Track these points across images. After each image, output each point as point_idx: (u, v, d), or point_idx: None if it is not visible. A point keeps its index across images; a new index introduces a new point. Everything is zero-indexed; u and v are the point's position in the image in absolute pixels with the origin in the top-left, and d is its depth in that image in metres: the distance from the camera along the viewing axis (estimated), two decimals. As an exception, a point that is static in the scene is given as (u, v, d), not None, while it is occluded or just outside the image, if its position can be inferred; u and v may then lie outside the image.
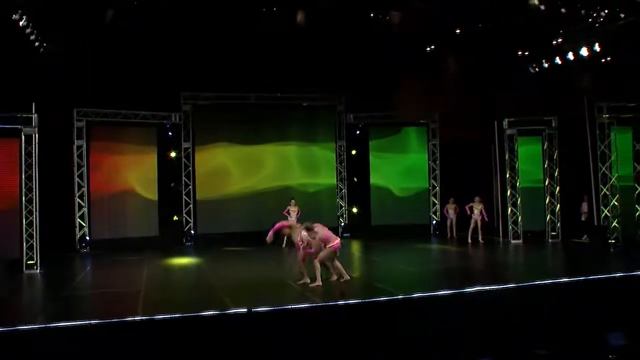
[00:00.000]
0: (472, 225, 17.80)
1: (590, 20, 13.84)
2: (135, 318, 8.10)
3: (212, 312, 8.26)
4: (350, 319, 8.58)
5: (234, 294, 9.94)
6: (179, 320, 8.00)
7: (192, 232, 19.38)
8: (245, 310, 8.41)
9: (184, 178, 19.46)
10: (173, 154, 19.66)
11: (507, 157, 17.88)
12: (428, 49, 18.57)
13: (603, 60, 15.17)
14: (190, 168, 19.54)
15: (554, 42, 16.07)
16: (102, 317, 8.16)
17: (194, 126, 19.63)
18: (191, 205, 19.47)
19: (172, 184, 19.56)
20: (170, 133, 19.54)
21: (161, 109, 19.17)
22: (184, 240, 19.14)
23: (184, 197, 19.41)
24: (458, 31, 17.02)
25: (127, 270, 13.86)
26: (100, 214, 18.31)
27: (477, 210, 17.83)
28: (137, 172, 18.86)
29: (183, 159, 19.48)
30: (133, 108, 18.66)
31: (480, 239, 17.63)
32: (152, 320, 8.02)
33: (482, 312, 9.00)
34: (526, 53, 17.72)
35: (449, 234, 19.44)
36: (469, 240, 17.64)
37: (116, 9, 14.70)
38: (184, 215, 19.38)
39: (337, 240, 10.79)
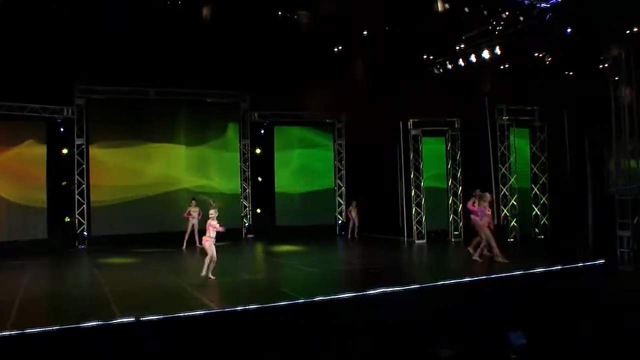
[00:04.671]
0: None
1: (492, 22, 14.07)
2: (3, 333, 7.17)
3: (93, 323, 7.47)
4: (248, 325, 8.07)
5: (124, 302, 9.14)
6: (54, 333, 7.14)
7: (86, 234, 18.16)
8: (133, 319, 7.69)
9: (76, 177, 18.26)
10: (65, 151, 18.43)
11: (411, 157, 17.96)
12: (336, 49, 18.37)
13: (503, 63, 15.52)
14: (84, 166, 18.36)
15: (458, 46, 16.26)
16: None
17: (88, 122, 18.46)
18: (84, 206, 18.26)
19: (63, 183, 18.36)
20: (62, 129, 18.33)
21: (52, 102, 17.91)
22: (77, 243, 17.97)
23: (76, 197, 18.22)
24: (365, 33, 16.94)
25: (4, 277, 12.53)
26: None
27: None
28: (22, 170, 17.50)
29: (76, 157, 18.29)
30: (20, 100, 17.28)
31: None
32: (23, 334, 7.11)
33: (385, 314, 8.75)
34: (431, 57, 17.87)
35: (349, 235, 19.45)
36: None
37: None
38: (77, 216, 18.19)
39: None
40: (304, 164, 21.12)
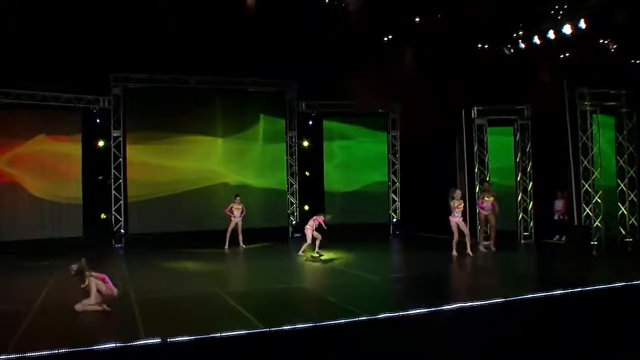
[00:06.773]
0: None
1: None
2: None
3: (111, 345, 6.08)
4: (297, 348, 6.57)
5: (152, 317, 7.76)
6: (61, 358, 5.79)
7: (123, 232, 17.07)
8: (159, 340, 6.29)
9: (113, 171, 17.27)
10: (101, 144, 17.58)
11: (475, 150, 16.17)
12: (386, 38, 16.88)
13: (587, 40, 13.58)
14: (121, 160, 17.36)
15: (532, 21, 14.38)
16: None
17: (125, 112, 17.38)
18: (121, 202, 17.24)
19: (99, 178, 17.42)
20: (97, 120, 17.39)
21: (87, 91, 16.96)
22: (113, 242, 16.98)
23: (113, 192, 17.20)
24: (417, 19, 15.43)
25: (29, 279, 11.32)
26: (10, 211, 15.97)
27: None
28: (56, 164, 16.65)
29: (113, 150, 17.31)
30: (54, 90, 16.38)
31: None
32: (23, 358, 5.79)
33: (465, 334, 7.12)
34: (498, 37, 16.03)
35: (300, 250, 15.80)
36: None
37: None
38: (114, 213, 17.19)
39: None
40: (355, 157, 19.60)
